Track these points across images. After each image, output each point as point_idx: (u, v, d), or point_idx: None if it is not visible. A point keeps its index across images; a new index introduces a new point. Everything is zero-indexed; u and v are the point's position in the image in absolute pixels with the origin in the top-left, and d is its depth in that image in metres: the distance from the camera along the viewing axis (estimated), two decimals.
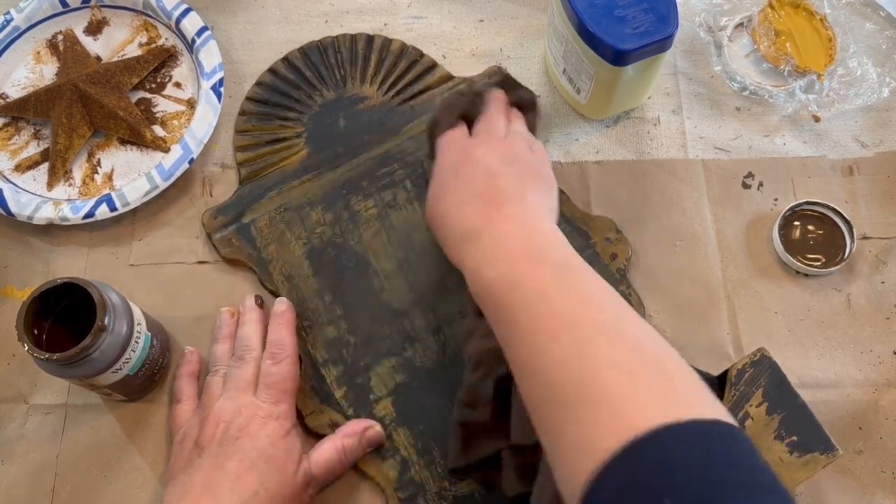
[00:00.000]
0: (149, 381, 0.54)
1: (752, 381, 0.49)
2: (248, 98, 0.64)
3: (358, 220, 0.60)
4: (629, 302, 0.56)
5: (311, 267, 0.58)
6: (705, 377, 0.54)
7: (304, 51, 0.65)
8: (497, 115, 0.53)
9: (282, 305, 0.56)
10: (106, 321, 0.47)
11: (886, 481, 0.53)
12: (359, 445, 0.52)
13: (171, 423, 0.54)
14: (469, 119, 0.54)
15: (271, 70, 0.65)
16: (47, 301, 0.48)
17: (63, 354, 0.46)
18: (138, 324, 0.51)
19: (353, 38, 0.66)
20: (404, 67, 0.64)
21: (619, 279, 0.59)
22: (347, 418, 0.54)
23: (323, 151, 0.62)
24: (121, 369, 0.50)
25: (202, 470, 0.48)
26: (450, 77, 0.65)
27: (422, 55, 0.65)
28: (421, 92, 0.64)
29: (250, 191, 0.61)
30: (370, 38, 0.66)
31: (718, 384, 0.53)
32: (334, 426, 0.54)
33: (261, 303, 0.57)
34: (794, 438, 0.47)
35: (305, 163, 0.61)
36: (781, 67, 0.64)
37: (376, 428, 0.53)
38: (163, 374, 0.56)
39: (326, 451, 0.51)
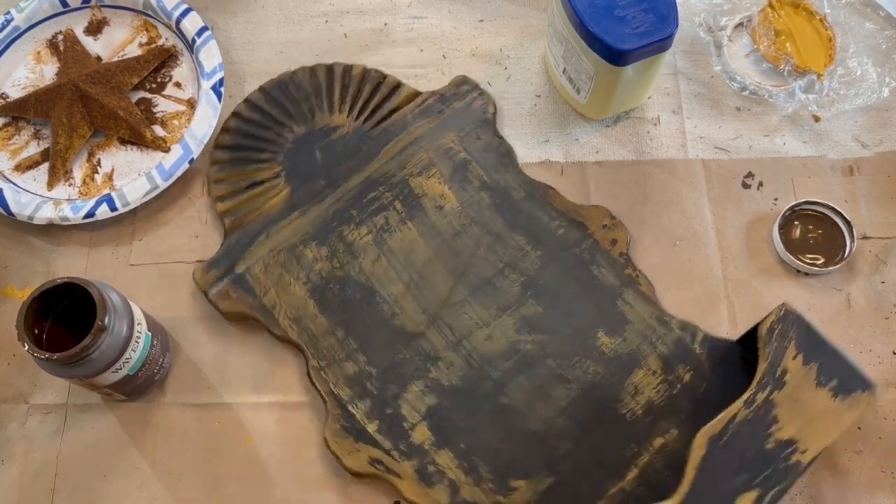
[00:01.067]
0: (149, 381, 0.54)
1: (782, 336, 0.49)
2: (217, 146, 0.62)
3: (355, 249, 0.59)
4: (637, 284, 0.58)
5: (316, 305, 0.57)
6: (725, 343, 0.56)
7: (266, 90, 0.64)
8: None
9: None
10: (106, 321, 0.47)
11: (886, 481, 0.53)
12: None
13: None
14: None
15: (235, 114, 0.63)
16: (47, 301, 0.48)
17: (63, 354, 0.46)
18: (139, 324, 0.51)
19: (313, 70, 0.64)
20: (369, 91, 0.64)
21: (624, 263, 0.59)
22: (388, 452, 0.53)
23: (305, 187, 0.60)
24: (121, 369, 0.50)
25: None
26: (416, 94, 0.64)
27: (384, 77, 0.64)
28: (391, 113, 0.63)
29: (238, 239, 0.59)
30: (330, 68, 0.64)
31: (741, 347, 0.55)
32: (377, 462, 0.53)
33: None
34: (835, 382, 0.48)
35: (290, 202, 0.60)
36: (781, 67, 0.64)
37: None
38: (163, 375, 0.56)
39: None
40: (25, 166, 0.62)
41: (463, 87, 0.64)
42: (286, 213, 0.60)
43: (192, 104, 0.64)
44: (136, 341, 0.50)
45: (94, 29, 0.67)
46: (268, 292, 0.57)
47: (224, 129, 0.62)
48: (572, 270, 0.58)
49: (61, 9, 0.66)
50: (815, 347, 0.49)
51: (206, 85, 0.63)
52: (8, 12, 0.65)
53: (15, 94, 0.65)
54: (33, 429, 0.55)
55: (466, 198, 0.60)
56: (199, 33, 0.64)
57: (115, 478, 0.54)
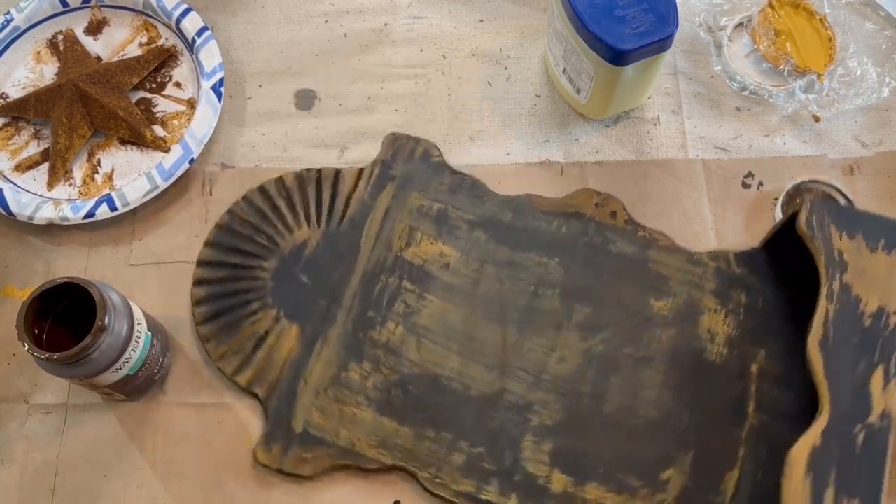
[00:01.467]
0: (149, 381, 0.54)
1: (821, 224, 0.51)
2: (200, 323, 0.56)
3: (393, 347, 0.56)
4: (656, 241, 0.59)
5: (392, 420, 0.54)
6: (755, 253, 0.58)
7: (216, 243, 0.59)
8: None
9: None
10: (106, 321, 0.47)
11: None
12: None
13: None
14: None
15: (200, 282, 0.57)
16: (47, 301, 0.48)
17: (63, 354, 0.46)
18: (139, 324, 0.51)
19: (249, 199, 0.60)
20: (314, 192, 0.60)
21: (633, 229, 0.59)
22: None
23: (311, 317, 0.57)
24: (121, 369, 0.50)
25: None
26: (359, 172, 0.61)
27: (319, 171, 0.61)
28: (346, 203, 0.60)
29: (278, 401, 0.55)
30: (263, 189, 0.60)
31: (766, 254, 0.57)
32: None
33: None
34: (883, 241, 0.51)
35: (305, 338, 0.56)
36: (781, 67, 0.64)
37: None
38: (163, 374, 0.56)
39: None
40: (25, 166, 0.62)
41: (398, 143, 0.62)
42: (308, 350, 0.56)
43: (192, 104, 0.64)
44: (136, 341, 0.50)
45: (94, 29, 0.67)
46: (339, 434, 0.54)
47: (196, 301, 0.57)
48: (594, 259, 0.59)
49: (61, 9, 0.66)
50: (852, 220, 0.52)
51: (206, 85, 0.63)
52: (8, 12, 0.65)
53: (15, 94, 0.65)
54: (33, 429, 0.55)
55: (463, 244, 0.59)
56: (199, 33, 0.64)
57: (115, 478, 0.54)
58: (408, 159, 0.62)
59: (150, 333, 0.52)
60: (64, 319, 0.49)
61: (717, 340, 0.56)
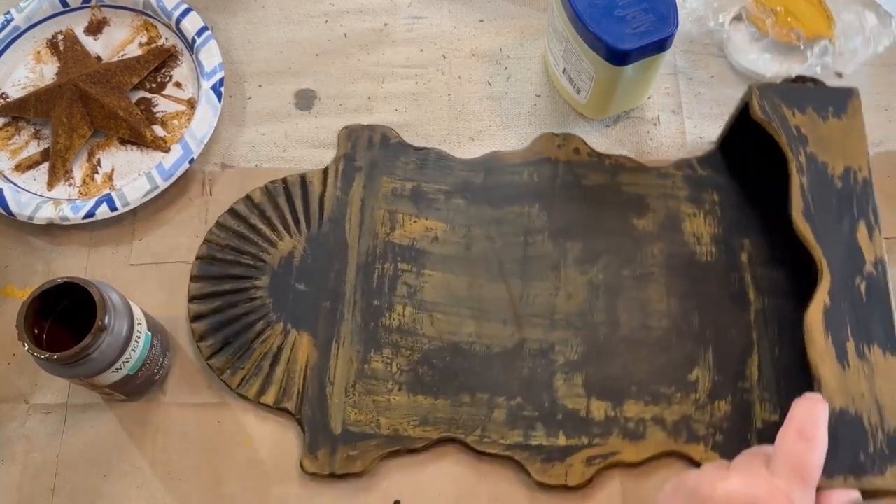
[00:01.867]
0: (149, 380, 0.54)
1: (773, 107, 0.55)
2: (210, 357, 0.56)
3: (407, 328, 0.57)
4: (623, 165, 0.61)
5: (426, 396, 0.55)
6: (713, 153, 0.61)
7: (200, 276, 0.58)
8: None
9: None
10: (106, 321, 0.47)
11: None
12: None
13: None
14: None
15: (197, 317, 0.57)
16: (47, 301, 0.48)
17: (63, 354, 0.46)
18: (139, 323, 0.51)
19: (222, 226, 0.59)
20: (286, 204, 0.60)
21: (598, 159, 0.62)
22: (592, 445, 0.53)
23: (318, 322, 0.57)
24: (121, 369, 0.50)
25: None
26: (324, 172, 0.61)
27: (285, 180, 0.60)
28: (320, 204, 0.60)
29: (310, 413, 0.54)
30: (234, 212, 0.59)
31: (725, 152, 0.62)
32: (591, 460, 0.53)
33: None
34: (831, 108, 0.55)
35: (318, 343, 0.56)
36: (795, 43, 0.65)
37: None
38: (163, 374, 0.56)
39: None
40: (25, 166, 0.62)
41: (353, 134, 0.63)
42: (325, 353, 0.56)
43: (192, 104, 0.64)
44: (136, 341, 0.50)
45: (94, 29, 0.67)
46: (379, 424, 0.54)
47: (200, 336, 0.56)
48: (571, 196, 0.61)
49: (61, 9, 0.66)
50: (799, 96, 0.55)
51: (207, 85, 0.63)
52: (8, 12, 0.65)
53: (15, 94, 0.65)
54: (33, 429, 0.55)
55: (445, 214, 0.60)
56: (199, 33, 0.64)
57: (115, 478, 0.54)
58: (368, 147, 0.62)
59: (150, 333, 0.52)
60: (64, 319, 0.49)
61: (703, 241, 0.59)
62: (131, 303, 0.51)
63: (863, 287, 0.50)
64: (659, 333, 0.57)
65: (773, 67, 0.65)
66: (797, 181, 0.53)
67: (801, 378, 0.51)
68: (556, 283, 0.58)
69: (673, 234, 0.59)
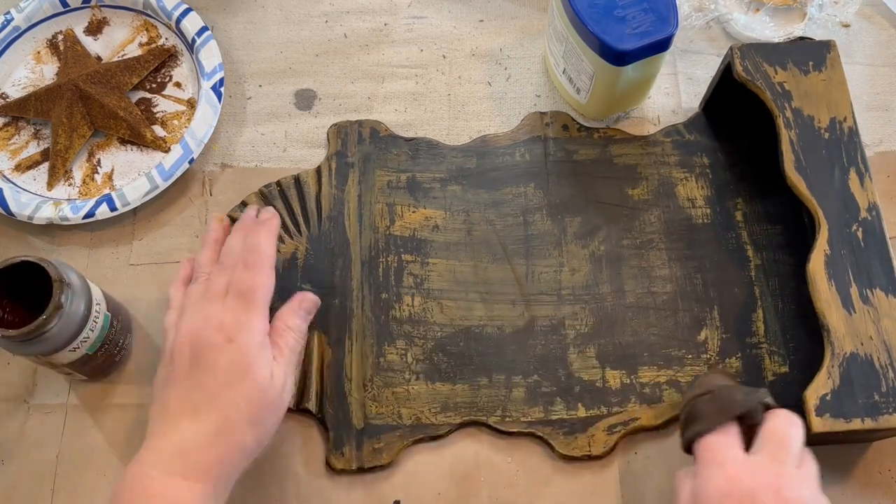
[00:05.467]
0: (109, 360, 0.55)
1: (754, 66, 0.56)
2: None
3: (417, 317, 0.57)
4: (613, 137, 0.62)
5: (444, 383, 0.55)
6: (698, 116, 0.63)
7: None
8: (795, 440, 0.44)
9: (267, 213, 0.53)
10: (62, 299, 0.47)
11: (885, 482, 0.53)
12: (301, 320, 0.51)
13: (161, 330, 0.51)
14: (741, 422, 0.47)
15: None
16: (6, 280, 0.48)
17: (19, 331, 0.46)
18: (97, 304, 0.51)
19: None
20: (283, 206, 0.60)
21: (587, 134, 0.63)
22: (612, 414, 0.54)
23: (329, 320, 0.57)
24: (79, 348, 0.50)
25: (178, 387, 0.47)
26: (318, 172, 0.61)
27: (279, 184, 0.60)
28: (317, 203, 0.60)
29: (332, 411, 0.55)
30: (232, 220, 0.57)
31: (708, 115, 0.63)
32: (612, 429, 0.54)
33: (256, 214, 0.54)
34: (811, 62, 0.57)
35: (331, 342, 0.56)
36: (792, 4, 0.65)
37: (307, 296, 0.53)
38: (123, 356, 0.56)
39: (279, 339, 0.49)
40: (25, 166, 0.62)
41: (343, 131, 0.63)
42: (340, 350, 0.56)
43: (192, 104, 0.64)
44: (95, 321, 0.51)
45: (94, 29, 0.67)
46: (400, 415, 0.55)
47: None
48: (565, 172, 0.61)
49: (61, 9, 0.66)
50: (778, 53, 0.57)
51: (206, 85, 0.63)
52: (8, 12, 0.65)
53: (15, 94, 0.65)
54: (33, 429, 0.55)
55: (442, 202, 0.61)
56: (199, 33, 0.64)
57: (116, 478, 0.54)
58: (359, 142, 0.62)
59: (109, 314, 0.53)
60: (26, 299, 0.50)
61: (697, 204, 0.60)
62: (91, 283, 0.52)
63: (860, 233, 0.52)
64: (664, 298, 0.58)
65: (778, 32, 0.65)
66: (786, 136, 0.54)
67: (806, 328, 0.54)
68: (559, 259, 0.59)
69: (667, 200, 0.60)
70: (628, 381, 0.55)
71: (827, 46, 0.57)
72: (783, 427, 0.45)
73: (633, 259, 0.59)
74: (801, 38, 0.59)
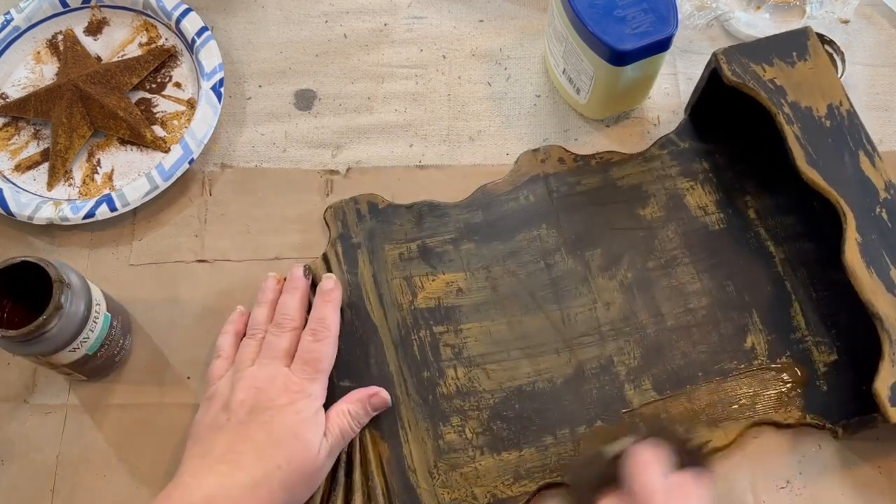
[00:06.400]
0: (109, 361, 0.55)
1: (742, 67, 0.55)
2: None
3: (465, 390, 0.55)
4: (610, 161, 0.62)
5: (510, 451, 0.53)
6: (685, 124, 0.62)
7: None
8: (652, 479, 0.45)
9: (329, 283, 0.55)
10: (62, 299, 0.47)
11: (885, 482, 0.53)
12: (364, 411, 0.52)
13: (207, 377, 0.53)
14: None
15: None
16: (6, 281, 0.48)
17: (19, 332, 0.46)
18: (97, 304, 0.51)
19: None
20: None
21: (584, 162, 0.61)
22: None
23: (377, 417, 0.55)
24: (79, 348, 0.50)
25: (228, 434, 0.48)
26: (325, 260, 0.58)
27: (285, 279, 0.57)
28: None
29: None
30: None
31: (695, 120, 0.62)
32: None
33: (309, 275, 0.56)
34: (794, 54, 0.56)
35: (385, 436, 0.54)
36: (792, 2, 0.65)
37: (381, 394, 0.53)
38: (123, 356, 0.56)
39: (335, 419, 0.51)
40: (25, 166, 0.62)
41: (340, 213, 0.60)
42: (396, 442, 0.54)
43: (192, 104, 0.64)
44: (95, 321, 0.51)
45: (94, 29, 0.67)
46: (475, 495, 0.52)
47: None
48: (572, 206, 0.60)
49: (61, 9, 0.66)
50: (761, 50, 0.56)
51: (206, 85, 0.63)
52: (8, 12, 0.65)
53: (15, 94, 0.65)
54: (33, 429, 0.55)
55: (460, 263, 0.58)
56: (199, 33, 0.64)
57: (115, 478, 0.54)
58: (359, 220, 0.60)
59: (109, 314, 0.53)
60: (26, 300, 0.50)
61: (709, 210, 0.60)
62: (91, 283, 0.52)
63: (884, 214, 0.52)
64: (703, 313, 0.57)
65: (779, 30, 0.65)
66: (790, 132, 0.54)
67: (844, 311, 0.54)
68: (590, 296, 0.57)
69: (680, 212, 0.60)
70: (688, 404, 0.54)
71: (804, 34, 0.57)
72: (641, 479, 0.44)
73: (662, 280, 0.58)
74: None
